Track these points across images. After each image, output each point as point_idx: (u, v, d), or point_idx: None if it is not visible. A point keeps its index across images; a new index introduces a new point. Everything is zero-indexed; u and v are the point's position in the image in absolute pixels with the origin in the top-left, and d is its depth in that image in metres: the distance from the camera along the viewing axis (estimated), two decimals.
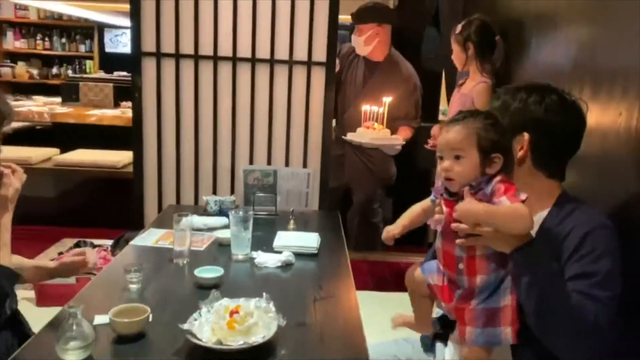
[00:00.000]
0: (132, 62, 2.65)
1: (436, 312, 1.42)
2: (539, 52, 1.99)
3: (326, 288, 1.62)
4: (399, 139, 2.80)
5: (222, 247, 1.91)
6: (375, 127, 2.64)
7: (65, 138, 4.21)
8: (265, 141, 2.70)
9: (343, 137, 2.75)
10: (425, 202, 1.39)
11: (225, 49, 2.63)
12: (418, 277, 1.35)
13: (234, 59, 2.63)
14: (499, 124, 1.20)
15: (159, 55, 2.62)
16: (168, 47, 2.62)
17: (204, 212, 2.27)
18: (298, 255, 1.85)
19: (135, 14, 2.57)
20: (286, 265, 1.78)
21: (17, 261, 1.53)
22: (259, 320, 1.27)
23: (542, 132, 1.24)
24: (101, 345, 1.23)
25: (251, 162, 2.69)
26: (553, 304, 1.11)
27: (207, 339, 1.21)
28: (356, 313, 1.47)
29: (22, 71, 6.58)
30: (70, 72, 6.66)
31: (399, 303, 1.66)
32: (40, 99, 5.00)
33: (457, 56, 2.37)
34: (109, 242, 2.73)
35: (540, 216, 1.27)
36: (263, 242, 1.92)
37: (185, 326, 1.23)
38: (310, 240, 1.94)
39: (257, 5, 2.58)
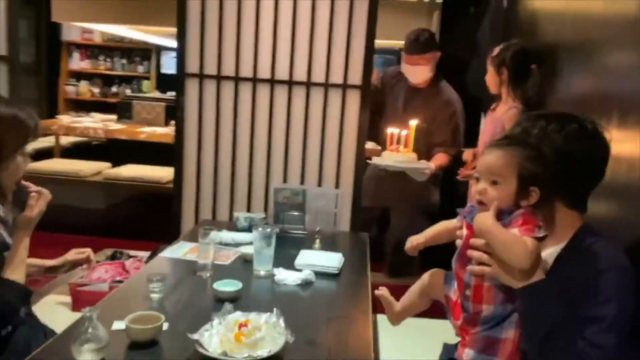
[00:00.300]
0: (176, 82, 2.78)
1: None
2: (570, 82, 1.95)
3: (342, 309, 1.63)
4: (428, 164, 2.71)
5: (246, 263, 1.95)
6: (400, 150, 2.58)
7: (118, 153, 4.44)
8: (299, 161, 2.75)
9: (368, 160, 2.67)
10: (452, 222, 1.39)
11: (264, 72, 2.72)
12: (438, 282, 1.35)
13: (272, 81, 2.72)
14: (544, 157, 1.17)
15: (201, 76, 2.74)
16: (210, 69, 2.73)
17: (235, 228, 2.33)
18: (319, 274, 1.87)
19: (180, 37, 2.71)
20: (306, 284, 1.80)
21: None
22: (267, 335, 1.29)
23: (563, 162, 1.19)
24: (116, 349, 1.29)
25: (285, 181, 2.75)
26: (555, 345, 1.08)
27: (214, 349, 1.24)
28: (367, 335, 1.46)
29: (85, 89, 6.99)
30: (128, 91, 7.01)
31: (427, 330, 1.65)
32: (97, 116, 5.29)
33: (491, 79, 2.35)
34: (146, 254, 2.83)
35: (556, 249, 1.23)
36: (288, 259, 1.95)
37: (195, 336, 1.27)
38: (332, 260, 1.95)
39: (296, 29, 2.66)
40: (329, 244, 2.21)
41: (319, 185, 2.73)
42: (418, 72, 3.00)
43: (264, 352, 1.24)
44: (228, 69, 2.73)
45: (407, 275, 3.30)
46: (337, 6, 2.63)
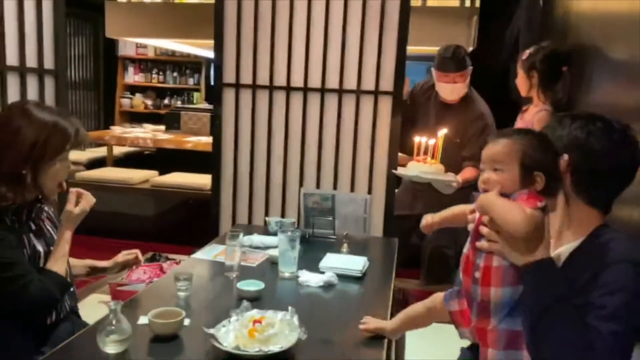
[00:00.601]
0: (214, 92, 2.89)
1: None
2: (600, 86, 1.90)
3: (361, 311, 1.64)
4: (455, 177, 2.56)
5: (273, 265, 2.00)
6: (427, 161, 2.46)
7: (165, 161, 4.64)
8: (332, 167, 2.80)
9: (393, 170, 2.57)
10: (469, 206, 1.40)
11: (297, 80, 2.79)
12: (439, 306, 1.36)
13: (305, 89, 2.78)
14: (548, 143, 1.19)
15: (237, 86, 2.84)
16: (246, 78, 2.83)
17: (266, 232, 2.40)
18: (343, 277, 1.90)
19: (218, 49, 2.83)
20: (328, 286, 1.83)
21: (71, 262, 1.74)
22: (280, 331, 1.34)
23: (582, 155, 1.19)
24: (140, 342, 1.37)
25: (318, 187, 2.80)
26: (551, 323, 1.08)
27: (228, 344, 1.30)
28: (381, 340, 1.48)
29: (139, 102, 7.33)
30: (179, 103, 7.30)
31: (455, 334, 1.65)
32: (148, 127, 5.54)
33: (521, 82, 2.32)
34: (185, 257, 2.95)
35: (573, 245, 1.22)
36: (315, 262, 1.99)
37: (211, 330, 1.33)
38: (356, 263, 1.98)
39: (328, 37, 2.71)
40: (358, 249, 2.24)
41: (352, 191, 2.76)
42: (455, 90, 2.91)
43: (276, 348, 1.28)
44: (263, 79, 2.81)
45: (442, 283, 3.27)
46: (368, 13, 2.67)
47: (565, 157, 1.20)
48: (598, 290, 1.09)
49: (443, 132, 2.43)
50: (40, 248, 1.59)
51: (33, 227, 1.60)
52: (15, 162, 1.45)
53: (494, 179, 1.19)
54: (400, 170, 2.47)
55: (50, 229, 1.68)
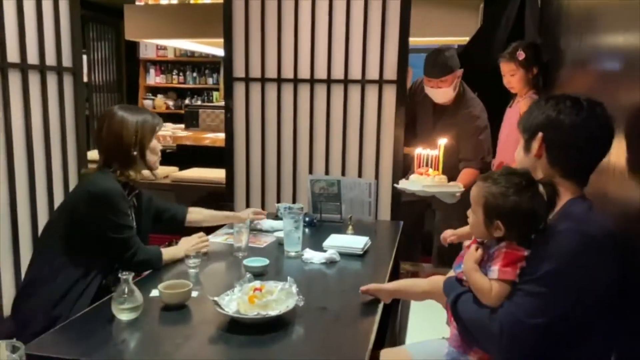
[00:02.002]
0: (225, 87, 3.01)
1: None
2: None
3: (358, 283, 1.73)
4: (459, 185, 2.43)
5: (280, 246, 2.12)
6: (430, 173, 2.34)
7: (185, 158, 4.79)
8: (339, 155, 2.89)
9: (395, 184, 2.43)
10: None
11: (304, 72, 2.89)
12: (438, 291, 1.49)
13: (312, 81, 2.88)
14: (510, 196, 1.24)
15: (247, 79, 2.96)
16: (254, 72, 2.94)
17: (276, 217, 2.51)
18: (344, 255, 2.00)
19: (227, 45, 2.95)
20: (330, 263, 1.93)
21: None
22: (278, 298, 1.44)
23: (554, 130, 1.28)
24: (152, 311, 1.50)
25: (327, 174, 2.89)
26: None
27: (229, 309, 1.41)
28: (375, 305, 1.57)
29: (161, 103, 7.53)
30: (199, 103, 7.48)
31: None
32: (169, 125, 5.71)
33: (519, 80, 2.40)
34: None
35: (551, 215, 1.29)
36: (320, 243, 2.09)
37: (215, 298, 1.45)
38: (357, 242, 2.07)
39: (332, 30, 2.81)
40: (363, 231, 2.33)
41: (360, 177, 2.85)
42: (439, 94, 2.83)
43: (274, 312, 1.39)
44: (271, 72, 2.92)
45: (450, 266, 3.32)
46: (370, 3, 2.75)
47: (540, 134, 1.29)
48: (534, 257, 1.18)
49: (443, 141, 2.34)
50: (134, 224, 1.90)
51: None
52: (127, 145, 1.83)
53: (470, 221, 1.33)
54: (402, 185, 2.40)
55: (132, 213, 1.93)
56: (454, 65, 2.76)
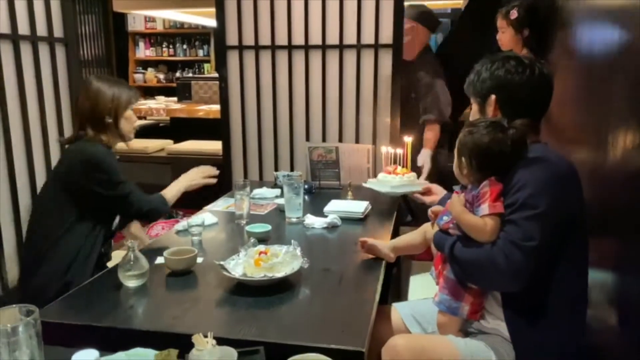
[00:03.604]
0: (218, 56, 2.97)
1: None
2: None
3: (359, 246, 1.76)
4: (426, 183, 2.22)
5: (281, 212, 2.12)
6: (398, 171, 2.20)
7: (179, 131, 4.76)
8: (336, 121, 2.88)
9: (363, 184, 2.27)
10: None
11: (298, 39, 2.85)
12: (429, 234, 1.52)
13: (306, 47, 2.85)
14: (483, 135, 1.33)
15: (241, 47, 2.92)
16: (248, 40, 2.90)
17: (275, 185, 2.52)
18: (346, 219, 2.01)
19: (219, 13, 2.90)
20: (332, 227, 1.95)
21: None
22: (284, 260, 1.46)
23: (505, 90, 1.41)
24: (158, 278, 1.52)
25: (324, 141, 2.88)
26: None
27: (236, 272, 1.42)
28: (379, 265, 1.59)
29: (151, 76, 7.44)
30: (190, 75, 7.39)
31: None
32: (161, 99, 5.67)
33: (510, 40, 2.38)
34: None
35: None
36: (321, 209, 2.10)
37: (221, 262, 1.46)
38: (358, 206, 2.09)
39: None
40: (362, 197, 2.33)
41: (357, 143, 2.84)
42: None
43: (280, 274, 1.41)
44: (265, 39, 2.89)
45: None
46: None
47: (492, 97, 1.42)
48: (510, 191, 1.28)
49: (409, 139, 2.23)
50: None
51: None
52: (101, 112, 1.88)
53: (454, 168, 1.41)
54: (370, 185, 2.24)
55: None
56: (410, 14, 2.88)
